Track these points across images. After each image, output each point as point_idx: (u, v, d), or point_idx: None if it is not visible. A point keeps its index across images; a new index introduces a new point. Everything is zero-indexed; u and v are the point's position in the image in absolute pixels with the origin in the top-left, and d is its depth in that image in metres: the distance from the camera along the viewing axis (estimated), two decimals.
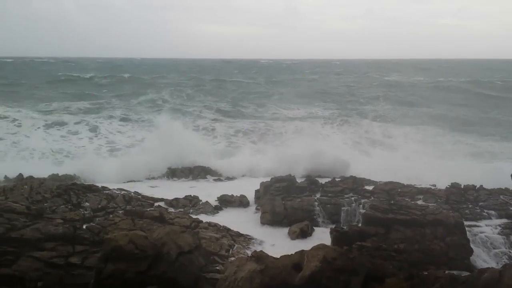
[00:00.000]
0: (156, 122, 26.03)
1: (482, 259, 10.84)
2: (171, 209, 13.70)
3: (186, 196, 14.77)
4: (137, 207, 13.29)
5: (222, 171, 18.71)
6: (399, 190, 14.15)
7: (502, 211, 12.79)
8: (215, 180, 17.97)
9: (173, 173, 18.25)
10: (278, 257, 7.48)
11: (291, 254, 7.32)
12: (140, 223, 11.55)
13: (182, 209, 13.85)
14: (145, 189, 16.01)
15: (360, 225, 11.74)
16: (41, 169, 17.72)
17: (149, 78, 69.10)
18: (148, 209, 12.80)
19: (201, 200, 14.54)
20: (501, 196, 13.72)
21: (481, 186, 14.13)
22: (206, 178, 18.00)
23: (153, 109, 36.03)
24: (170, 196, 14.74)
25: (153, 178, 18.10)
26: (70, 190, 13.72)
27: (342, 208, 13.22)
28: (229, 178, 17.94)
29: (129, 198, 14.00)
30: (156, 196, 14.90)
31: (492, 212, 12.81)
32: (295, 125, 29.35)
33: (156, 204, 14.09)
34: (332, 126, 29.93)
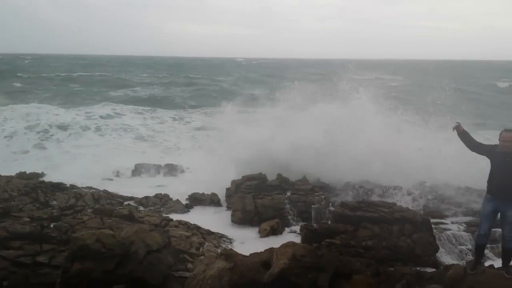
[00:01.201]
0: None
1: (448, 255, 11.05)
2: (141, 208, 13.59)
3: (156, 194, 14.68)
4: (106, 205, 13.16)
5: (193, 169, 18.56)
6: (368, 188, 14.33)
7: (467, 209, 13.07)
8: (186, 178, 17.82)
9: (143, 171, 18.01)
10: (248, 255, 7.49)
11: (261, 252, 7.33)
12: (109, 221, 11.47)
13: (152, 208, 13.76)
14: (115, 187, 15.82)
15: (329, 222, 11.84)
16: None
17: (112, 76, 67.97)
18: (117, 208, 12.69)
19: (171, 199, 14.45)
20: (467, 194, 14.01)
21: (446, 183, 14.42)
22: (177, 176, 17.84)
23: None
24: (140, 195, 14.61)
25: (122, 175, 17.86)
26: (37, 188, 13.51)
27: (312, 206, 13.32)
28: (200, 176, 17.75)
29: (98, 197, 13.84)
30: (125, 194, 14.74)
31: (458, 209, 13.08)
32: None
33: (125, 202, 13.96)
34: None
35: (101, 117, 30.58)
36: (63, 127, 26.53)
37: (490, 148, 6.93)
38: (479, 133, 26.73)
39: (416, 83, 65.06)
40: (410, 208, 12.27)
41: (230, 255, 7.14)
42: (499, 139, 6.78)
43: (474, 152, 7.17)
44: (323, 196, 13.71)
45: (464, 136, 7.11)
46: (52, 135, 25.17)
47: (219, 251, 9.77)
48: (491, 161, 6.83)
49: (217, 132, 26.98)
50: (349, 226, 11.04)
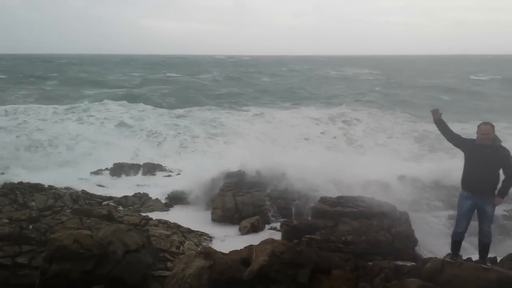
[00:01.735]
0: None
1: (427, 249, 11.19)
2: (121, 207, 13.46)
3: (135, 193, 14.55)
4: (85, 205, 13.03)
5: (172, 168, 18.48)
6: (347, 183, 14.40)
7: (447, 202, 13.23)
8: (165, 176, 17.70)
9: (121, 170, 17.82)
10: (228, 252, 7.47)
11: (240, 249, 7.32)
12: (88, 222, 11.41)
13: (131, 207, 13.64)
14: (93, 187, 15.64)
15: (309, 218, 11.90)
16: None
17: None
18: (96, 208, 12.58)
19: (151, 198, 14.34)
20: (447, 187, 14.17)
21: (426, 178, 14.58)
22: (156, 174, 17.69)
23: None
24: (119, 194, 14.48)
25: (100, 174, 17.66)
26: (16, 189, 13.30)
27: (293, 202, 13.37)
28: (179, 175, 17.68)
29: (77, 197, 13.69)
30: (104, 194, 14.59)
31: (438, 203, 13.25)
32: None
33: (104, 202, 13.82)
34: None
35: (79, 114, 30.30)
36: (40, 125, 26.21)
37: (468, 141, 6.96)
38: (454, 125, 27.53)
39: (393, 79, 66.24)
40: (389, 202, 12.40)
41: (209, 253, 7.11)
42: (477, 132, 6.83)
43: (450, 143, 7.21)
44: (303, 192, 13.73)
45: (441, 124, 7.13)
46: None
47: (199, 249, 9.74)
48: (467, 156, 6.84)
49: (197, 130, 27.05)
50: (329, 222, 11.11)
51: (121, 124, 28.18)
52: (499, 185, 6.78)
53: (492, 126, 6.74)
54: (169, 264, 8.61)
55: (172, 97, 42.25)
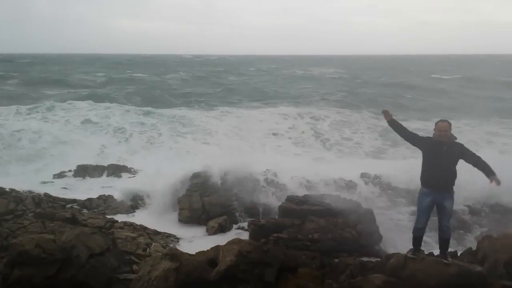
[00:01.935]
0: None
1: (391, 245, 11.39)
2: (85, 210, 13.21)
3: (100, 196, 14.28)
4: (48, 209, 12.71)
5: (138, 168, 18.21)
6: (313, 181, 14.55)
7: (409, 198, 13.51)
8: (130, 178, 17.43)
9: (85, 172, 17.46)
10: (194, 253, 7.44)
11: (207, 250, 7.32)
12: (51, 225, 11.16)
13: (96, 210, 13.40)
14: (57, 190, 15.29)
15: (277, 217, 11.95)
16: None
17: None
18: (59, 211, 12.29)
19: (116, 200, 14.12)
20: (411, 184, 14.45)
21: (389, 175, 14.87)
22: (121, 176, 17.40)
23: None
24: (83, 197, 14.20)
25: (64, 176, 17.27)
26: None
27: (260, 201, 13.40)
28: (145, 176, 17.35)
29: (39, 200, 13.32)
30: (68, 197, 14.27)
31: (401, 199, 13.52)
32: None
33: (68, 205, 13.51)
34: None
35: (43, 113, 29.55)
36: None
37: (425, 139, 7.12)
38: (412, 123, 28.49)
39: (358, 78, 67.35)
40: (354, 200, 12.60)
41: (175, 255, 7.07)
42: (434, 129, 6.98)
43: (407, 142, 7.34)
44: (270, 192, 13.79)
45: (395, 125, 7.24)
46: None
47: (166, 251, 9.65)
48: (425, 153, 6.98)
49: (164, 129, 26.78)
50: (296, 220, 11.18)
51: (87, 122, 27.57)
52: (483, 170, 6.85)
53: (449, 124, 6.92)
54: (135, 267, 8.49)
55: (138, 97, 41.60)
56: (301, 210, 11.32)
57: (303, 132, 27.48)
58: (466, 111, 35.25)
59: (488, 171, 6.81)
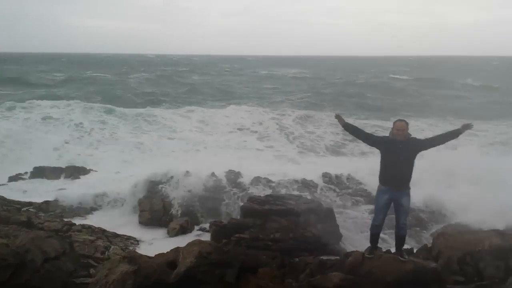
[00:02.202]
0: None
1: (350, 243, 11.57)
2: (41, 213, 12.85)
3: (57, 198, 13.91)
4: (2, 212, 12.30)
5: (97, 169, 17.81)
6: (276, 181, 14.62)
7: (368, 197, 13.77)
8: (89, 179, 16.96)
9: (42, 174, 16.95)
10: (153, 256, 7.35)
11: (166, 252, 7.23)
12: (5, 229, 10.80)
13: (53, 213, 13.06)
14: (12, 192, 14.80)
15: (239, 217, 11.95)
16: None
17: None
18: (15, 215, 11.94)
19: (74, 202, 13.78)
20: (369, 183, 14.73)
21: (349, 175, 15.14)
22: (80, 177, 16.97)
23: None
24: (39, 199, 13.81)
25: (20, 179, 16.75)
26: None
27: (222, 202, 13.37)
28: (104, 177, 16.93)
29: None
30: (24, 199, 13.86)
31: (360, 198, 13.75)
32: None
33: (24, 208, 13.12)
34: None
35: (2, 113, 28.53)
36: None
37: (382, 139, 7.26)
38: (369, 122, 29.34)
39: (321, 78, 68.23)
40: (315, 199, 12.74)
41: (133, 258, 6.95)
42: (392, 128, 7.12)
43: (365, 143, 7.47)
44: (232, 192, 13.79)
45: (350, 128, 7.34)
46: None
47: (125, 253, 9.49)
48: (382, 152, 7.12)
49: (125, 128, 26.29)
50: (258, 220, 11.19)
51: (46, 121, 26.65)
52: (451, 136, 6.97)
53: (407, 123, 7.07)
54: (92, 270, 8.31)
55: (98, 96, 40.66)
56: (263, 210, 11.34)
57: (267, 127, 28.01)
58: (424, 110, 36.40)
59: (454, 133, 6.99)
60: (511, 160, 17.19)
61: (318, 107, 35.23)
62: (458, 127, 6.99)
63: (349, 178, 14.99)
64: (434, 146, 7.11)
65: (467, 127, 6.92)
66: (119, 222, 12.79)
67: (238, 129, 27.78)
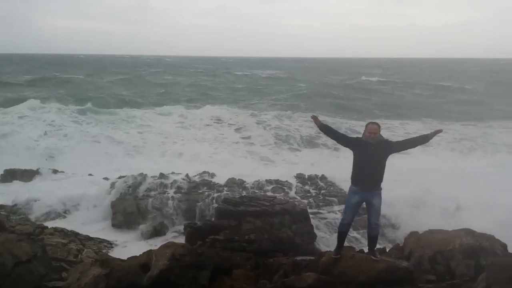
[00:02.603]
0: None
1: (325, 243, 11.68)
2: (13, 216, 12.58)
3: (29, 201, 13.63)
4: None
5: (71, 171, 17.47)
6: (250, 182, 14.66)
7: (341, 197, 13.89)
8: (62, 181, 16.64)
9: (13, 176, 16.55)
10: (126, 258, 7.29)
11: (139, 255, 7.17)
12: None
13: (24, 216, 12.81)
14: None
15: (213, 219, 11.94)
16: None
17: None
18: None
19: (46, 205, 13.53)
20: (343, 183, 14.87)
21: (323, 175, 15.28)
22: (52, 179, 16.60)
23: None
24: (10, 202, 13.52)
25: None
26: None
27: (197, 203, 13.33)
28: (77, 179, 16.61)
29: None
30: None
31: (333, 199, 13.87)
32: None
33: None
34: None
35: None
36: None
37: (355, 140, 7.38)
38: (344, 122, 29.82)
39: (297, 78, 68.68)
40: (290, 200, 12.82)
41: (106, 261, 6.89)
42: (364, 131, 7.25)
43: (339, 144, 7.59)
44: (206, 193, 13.76)
45: (325, 129, 7.47)
46: None
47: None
48: (355, 153, 7.24)
49: (99, 129, 25.86)
50: (233, 221, 11.25)
51: (17, 122, 25.89)
52: (421, 140, 7.16)
53: (379, 126, 7.22)
54: (64, 274, 8.20)
55: (70, 98, 39.89)
56: (237, 212, 11.39)
57: (244, 122, 28.61)
58: (397, 110, 37.11)
59: (424, 137, 7.18)
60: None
61: (293, 108, 35.47)
62: (429, 132, 7.21)
63: (323, 178, 15.13)
64: (404, 149, 7.33)
65: (436, 132, 7.13)
66: (92, 225, 12.63)
67: (215, 122, 28.55)
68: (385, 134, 7.45)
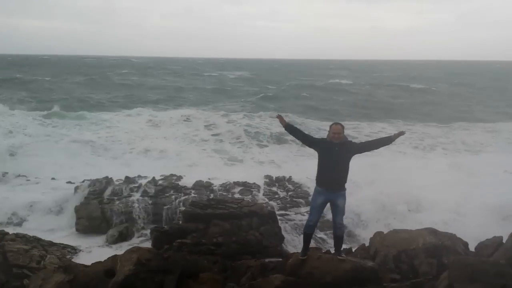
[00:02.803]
0: None
1: (292, 245, 11.73)
2: None
3: None
4: None
5: (33, 176, 16.97)
6: (218, 184, 14.60)
7: (308, 199, 13.96)
8: (24, 185, 16.14)
9: None
10: (90, 264, 7.14)
11: (104, 260, 7.05)
12: None
13: None
14: None
15: (180, 222, 11.82)
16: None
17: None
18: None
19: (6, 210, 13.13)
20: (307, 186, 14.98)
21: (290, 176, 15.35)
22: (14, 184, 16.06)
23: None
24: None
25: None
26: None
27: (163, 207, 13.18)
28: (39, 184, 15.95)
29: None
30: None
31: (301, 200, 13.94)
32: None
33: None
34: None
35: None
36: None
37: (319, 141, 7.43)
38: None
39: (265, 79, 68.96)
40: (258, 202, 12.81)
41: (69, 267, 6.74)
42: (329, 131, 7.31)
43: (304, 145, 7.62)
44: (173, 196, 13.62)
45: (291, 130, 7.51)
46: None
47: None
48: (320, 154, 7.29)
49: (65, 131, 25.21)
50: (200, 225, 11.14)
51: None
52: (383, 142, 7.28)
53: (343, 126, 7.30)
54: (26, 281, 7.97)
55: (32, 100, 38.80)
56: (205, 214, 11.28)
57: (213, 121, 28.76)
58: (364, 111, 37.79)
59: (386, 139, 7.32)
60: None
61: (263, 109, 35.71)
62: (392, 134, 7.34)
63: (290, 180, 15.21)
64: (368, 150, 7.41)
65: (399, 134, 7.25)
66: (56, 230, 12.35)
67: (184, 121, 28.66)
68: (352, 134, 7.55)
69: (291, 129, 7.49)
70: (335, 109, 39.30)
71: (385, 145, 7.37)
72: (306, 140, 7.49)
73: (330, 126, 7.30)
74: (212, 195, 13.63)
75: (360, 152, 7.28)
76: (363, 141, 7.66)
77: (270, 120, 28.85)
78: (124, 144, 22.61)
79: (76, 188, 13.92)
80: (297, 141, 8.41)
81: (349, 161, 7.20)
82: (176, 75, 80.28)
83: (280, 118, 7.48)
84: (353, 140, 7.63)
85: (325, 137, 7.36)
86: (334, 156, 7.07)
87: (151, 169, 16.19)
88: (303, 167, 15.80)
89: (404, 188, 13.63)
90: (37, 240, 10.97)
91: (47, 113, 29.10)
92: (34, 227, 12.32)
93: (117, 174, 14.83)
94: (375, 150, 7.69)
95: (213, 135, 25.21)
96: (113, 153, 20.95)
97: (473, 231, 10.95)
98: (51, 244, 11.02)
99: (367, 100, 46.09)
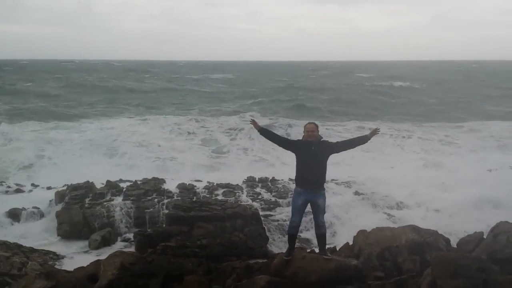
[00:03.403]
0: None
1: (277, 245, 11.74)
2: None
3: None
4: None
5: (12, 181, 16.64)
6: (201, 186, 14.55)
7: (291, 199, 14.00)
8: (2, 193, 15.82)
9: None
10: (73, 270, 7.05)
11: (86, 266, 6.96)
12: None
13: None
14: None
15: (164, 225, 11.74)
16: None
17: None
18: None
19: None
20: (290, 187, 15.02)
21: (273, 177, 15.38)
22: None
23: None
24: None
25: None
26: None
27: (146, 210, 13.09)
28: (19, 190, 15.50)
29: None
30: None
31: (284, 200, 13.96)
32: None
33: None
34: None
35: None
36: None
37: (295, 142, 7.44)
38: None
39: (246, 81, 69.02)
40: (241, 203, 12.79)
41: (51, 273, 6.64)
42: (304, 131, 7.33)
43: (281, 147, 7.60)
44: (156, 200, 13.53)
45: (265, 133, 7.49)
46: None
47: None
48: (297, 155, 7.29)
49: (42, 141, 24.73)
50: (184, 227, 11.08)
51: None
52: (359, 141, 7.32)
53: (316, 125, 7.35)
54: None
55: (6, 106, 37.83)
56: (189, 217, 11.23)
57: (196, 124, 28.82)
58: (348, 111, 38.17)
59: (363, 138, 7.36)
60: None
61: (246, 109, 35.82)
62: (368, 132, 7.37)
63: (273, 180, 15.23)
64: (345, 149, 7.43)
65: (374, 132, 7.29)
66: (37, 236, 12.15)
67: (169, 125, 28.29)
68: (330, 133, 7.58)
69: (266, 133, 7.48)
70: (319, 108, 39.61)
71: (362, 144, 7.41)
72: (282, 142, 7.50)
73: (304, 126, 7.35)
74: (195, 198, 13.56)
75: (337, 151, 7.30)
76: (340, 140, 7.69)
77: (255, 118, 28.91)
78: (105, 147, 22.30)
79: (57, 193, 13.71)
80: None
81: (326, 160, 7.22)
82: (157, 78, 79.44)
83: (253, 123, 7.48)
84: (329, 140, 7.65)
85: (301, 138, 7.39)
86: (312, 155, 7.09)
87: (132, 173, 16.06)
88: (286, 167, 15.83)
89: (384, 186, 13.77)
90: (18, 246, 10.81)
91: (26, 125, 28.32)
92: (15, 234, 12.11)
93: (98, 178, 14.65)
94: (352, 149, 7.72)
95: (193, 138, 25.07)
96: (94, 157, 20.70)
97: (454, 227, 11.13)
98: (32, 250, 10.86)
99: (349, 100, 46.30)
